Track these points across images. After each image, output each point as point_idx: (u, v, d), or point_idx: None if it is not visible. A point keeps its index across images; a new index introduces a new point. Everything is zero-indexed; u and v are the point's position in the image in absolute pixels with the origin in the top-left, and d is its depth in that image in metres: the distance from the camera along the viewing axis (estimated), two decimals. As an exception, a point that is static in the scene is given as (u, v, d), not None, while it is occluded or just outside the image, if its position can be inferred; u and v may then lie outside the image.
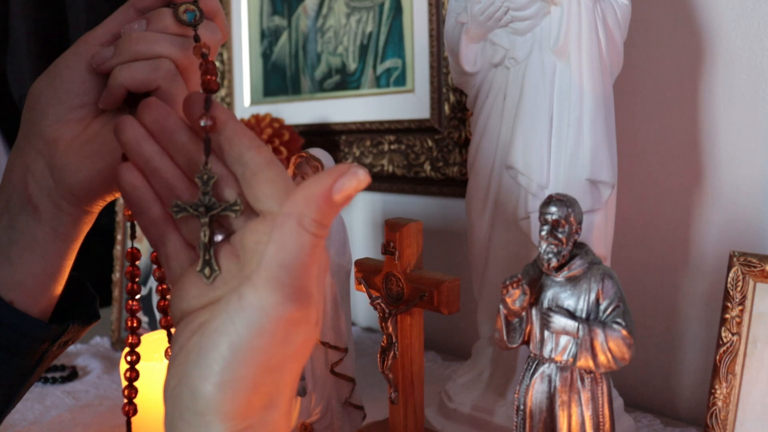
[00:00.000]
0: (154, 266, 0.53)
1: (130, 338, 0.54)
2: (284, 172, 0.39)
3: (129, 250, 0.53)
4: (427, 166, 1.11)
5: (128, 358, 0.54)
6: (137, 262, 0.53)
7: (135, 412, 0.53)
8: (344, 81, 1.26)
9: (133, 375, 0.53)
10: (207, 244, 0.39)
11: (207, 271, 0.39)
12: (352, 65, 1.24)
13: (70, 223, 0.50)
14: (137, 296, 0.54)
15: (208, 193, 0.40)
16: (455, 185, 1.07)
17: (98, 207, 0.51)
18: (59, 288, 0.52)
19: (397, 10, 1.15)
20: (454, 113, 1.06)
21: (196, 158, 0.41)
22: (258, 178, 0.39)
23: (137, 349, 0.54)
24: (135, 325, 0.54)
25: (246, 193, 0.39)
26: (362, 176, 0.34)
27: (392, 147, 1.17)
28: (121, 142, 0.42)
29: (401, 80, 1.15)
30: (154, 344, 0.79)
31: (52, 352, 0.53)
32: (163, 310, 0.53)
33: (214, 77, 0.42)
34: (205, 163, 0.40)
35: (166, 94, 0.46)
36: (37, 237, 0.49)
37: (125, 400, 0.53)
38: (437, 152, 1.09)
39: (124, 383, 0.54)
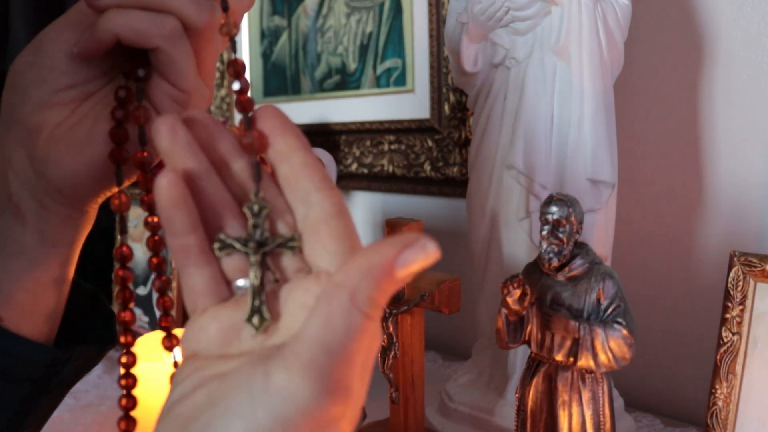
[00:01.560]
0: (153, 274, 0.42)
1: (125, 358, 0.41)
2: (352, 225, 0.33)
3: (118, 249, 0.41)
4: (427, 166, 1.11)
5: (123, 382, 0.42)
6: (129, 263, 0.41)
7: None
8: (344, 81, 1.26)
9: (130, 404, 0.42)
10: (258, 287, 0.33)
11: (256, 320, 0.32)
12: (352, 65, 1.24)
13: (59, 225, 0.42)
14: (131, 305, 0.42)
15: (260, 226, 0.33)
16: (455, 185, 1.07)
17: (90, 207, 0.44)
18: (57, 302, 0.45)
19: (397, 10, 1.15)
20: (454, 113, 1.06)
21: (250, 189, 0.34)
22: (322, 228, 0.32)
23: (133, 371, 0.42)
24: (129, 340, 0.41)
25: (305, 243, 0.33)
26: (431, 250, 0.29)
27: (392, 147, 1.17)
28: (162, 149, 0.33)
29: (401, 80, 1.15)
30: (155, 342, 0.78)
31: (59, 379, 0.46)
32: (164, 308, 0.42)
33: (246, 95, 0.34)
34: (257, 191, 0.33)
35: (165, 57, 0.39)
36: (22, 242, 0.42)
37: (122, 425, 0.42)
38: (437, 152, 1.09)
39: (120, 409, 0.42)
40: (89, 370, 0.49)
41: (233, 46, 0.35)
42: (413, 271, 0.29)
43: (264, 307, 0.32)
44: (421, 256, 0.29)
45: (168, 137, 0.33)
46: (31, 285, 0.43)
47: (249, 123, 0.33)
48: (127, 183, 0.41)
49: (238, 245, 0.33)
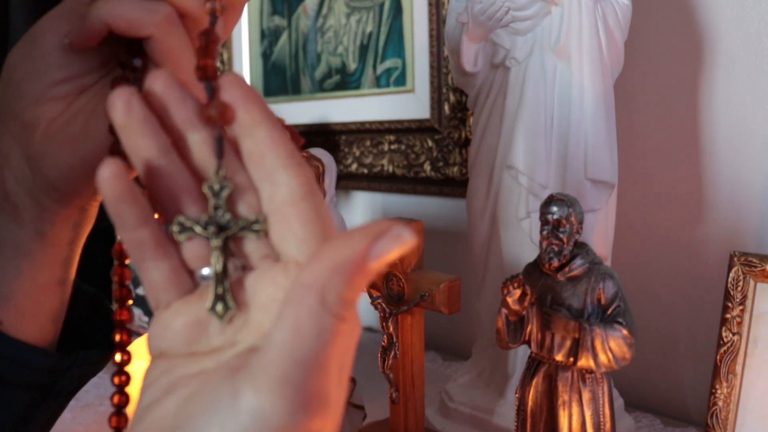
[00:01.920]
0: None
1: (120, 355, 0.39)
2: (323, 207, 0.30)
3: (117, 245, 0.38)
4: (427, 166, 1.11)
5: (116, 380, 0.39)
6: (128, 261, 0.38)
7: None
8: (344, 81, 1.26)
9: (123, 400, 0.39)
10: (221, 274, 0.31)
11: (220, 308, 0.30)
12: (352, 65, 1.24)
13: (58, 224, 0.41)
14: (129, 302, 0.39)
15: (221, 207, 0.31)
16: (455, 185, 1.07)
17: (89, 205, 0.42)
18: (59, 305, 0.43)
19: (397, 10, 1.15)
20: (454, 113, 1.06)
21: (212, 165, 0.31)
22: (289, 210, 0.30)
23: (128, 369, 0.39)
24: (125, 339, 0.39)
25: (272, 226, 0.30)
26: (406, 238, 0.26)
27: (392, 147, 1.17)
28: (117, 124, 0.31)
29: (401, 80, 1.15)
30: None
31: (62, 385, 0.45)
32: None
33: (211, 61, 0.31)
34: (218, 168, 0.30)
35: (159, 46, 0.37)
36: (21, 242, 0.40)
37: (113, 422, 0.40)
38: (437, 152, 1.09)
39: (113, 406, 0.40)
40: (94, 375, 0.47)
41: (213, 21, 0.32)
42: (387, 262, 0.26)
43: (228, 294, 0.30)
44: (395, 246, 0.26)
45: (123, 112, 0.30)
46: (31, 286, 0.41)
47: (212, 93, 0.30)
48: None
49: (198, 228, 0.31)
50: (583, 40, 0.69)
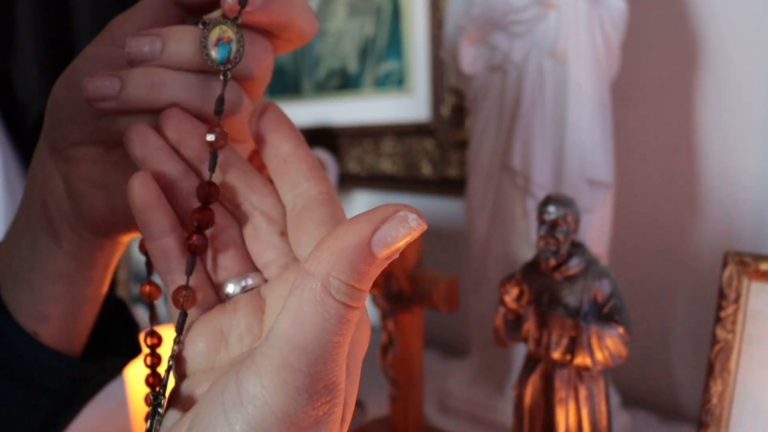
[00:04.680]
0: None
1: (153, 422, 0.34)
2: (340, 213, 0.32)
3: (148, 336, 0.38)
4: (427, 168, 1.12)
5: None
6: (158, 346, 0.38)
7: None
8: (344, 83, 1.27)
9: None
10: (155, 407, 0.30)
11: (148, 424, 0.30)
12: (353, 67, 1.25)
13: (97, 250, 0.42)
14: (157, 389, 0.34)
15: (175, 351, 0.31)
16: (454, 186, 1.08)
17: (124, 239, 0.43)
18: (90, 319, 0.45)
19: (396, 12, 1.16)
20: (454, 115, 1.07)
21: (236, 187, 0.33)
22: (306, 215, 0.31)
23: None
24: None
25: (290, 232, 0.32)
26: (414, 222, 0.25)
27: (392, 148, 1.18)
28: (135, 158, 0.33)
29: (401, 82, 1.16)
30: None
31: (84, 391, 0.46)
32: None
33: (208, 207, 0.32)
34: (179, 336, 0.31)
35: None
36: (58, 263, 0.41)
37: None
38: (436, 153, 1.10)
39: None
40: (112, 381, 0.48)
41: (213, 162, 0.33)
42: (398, 248, 0.25)
43: (163, 412, 0.30)
44: (402, 231, 0.25)
45: (140, 145, 0.33)
46: (65, 305, 0.42)
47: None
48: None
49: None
50: (580, 43, 0.70)
